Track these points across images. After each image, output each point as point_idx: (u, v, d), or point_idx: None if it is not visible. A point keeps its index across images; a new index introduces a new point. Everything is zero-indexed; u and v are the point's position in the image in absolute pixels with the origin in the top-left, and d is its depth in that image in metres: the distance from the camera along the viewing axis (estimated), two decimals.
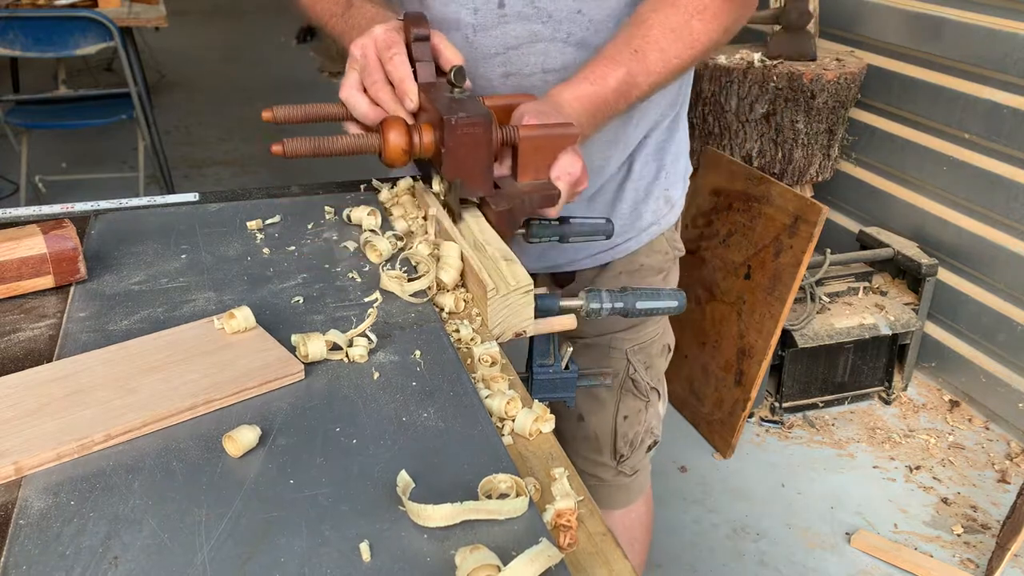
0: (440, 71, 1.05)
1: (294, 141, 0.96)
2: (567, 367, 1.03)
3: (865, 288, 2.86)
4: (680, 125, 1.39)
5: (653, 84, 1.11)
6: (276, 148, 0.96)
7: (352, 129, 1.06)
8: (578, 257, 1.35)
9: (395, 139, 0.97)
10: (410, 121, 1.00)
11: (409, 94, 1.01)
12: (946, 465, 2.63)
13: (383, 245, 1.00)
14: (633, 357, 1.43)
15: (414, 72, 1.02)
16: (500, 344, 0.88)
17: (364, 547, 0.59)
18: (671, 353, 1.51)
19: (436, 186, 1.05)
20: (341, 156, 0.99)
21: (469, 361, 0.84)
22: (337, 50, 1.35)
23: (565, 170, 0.98)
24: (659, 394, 1.49)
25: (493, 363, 0.83)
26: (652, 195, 1.36)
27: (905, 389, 2.94)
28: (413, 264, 0.98)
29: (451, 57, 1.05)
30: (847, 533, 2.36)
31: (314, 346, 0.80)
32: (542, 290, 0.95)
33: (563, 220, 1.09)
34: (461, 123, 0.93)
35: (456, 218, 1.00)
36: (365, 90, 1.04)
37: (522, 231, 1.07)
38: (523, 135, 0.96)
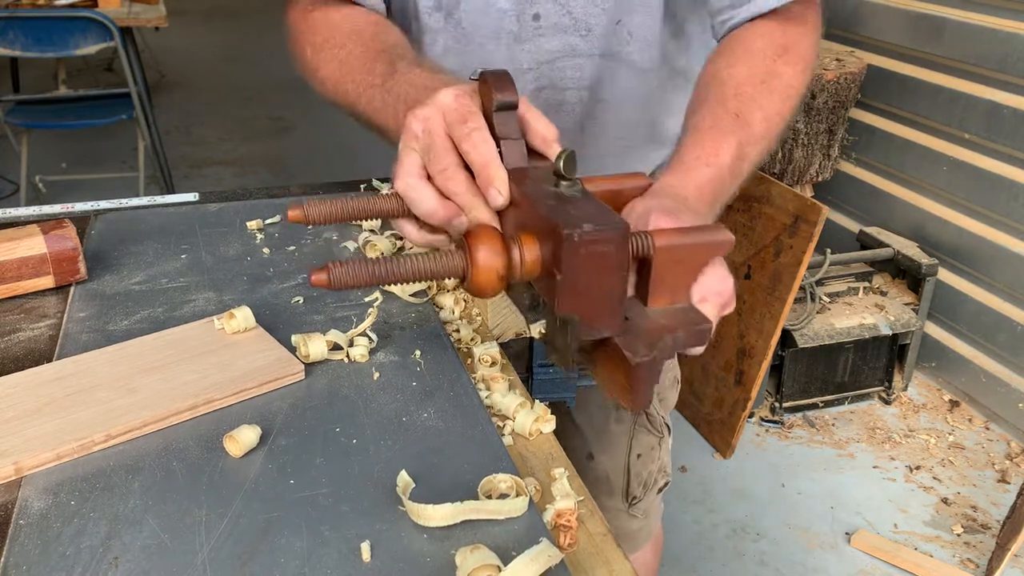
0: (530, 151, 0.78)
1: (343, 267, 0.68)
2: None
3: (865, 288, 2.86)
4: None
5: (760, 153, 0.90)
6: (318, 278, 0.67)
7: (408, 230, 0.79)
8: None
9: (488, 258, 0.67)
10: (496, 224, 0.73)
11: (496, 184, 0.72)
12: (946, 465, 2.63)
13: (383, 245, 1.00)
14: None
15: (499, 154, 0.75)
16: (500, 344, 0.88)
17: (365, 547, 0.59)
18: (679, 386, 1.40)
19: (534, 327, 0.74)
20: (411, 282, 0.72)
21: (469, 361, 0.84)
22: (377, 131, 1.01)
23: (713, 290, 0.70)
24: (669, 430, 1.37)
25: (493, 363, 0.83)
26: None
27: (905, 389, 2.94)
28: None
29: (546, 132, 0.77)
30: (847, 533, 2.36)
31: (315, 346, 0.80)
32: None
33: None
34: (588, 239, 0.64)
35: (570, 366, 0.70)
36: (430, 178, 0.76)
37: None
38: (660, 244, 0.67)
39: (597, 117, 1.16)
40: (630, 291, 0.71)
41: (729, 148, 0.84)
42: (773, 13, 0.98)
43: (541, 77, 1.09)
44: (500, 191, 0.72)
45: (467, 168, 0.74)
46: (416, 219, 0.77)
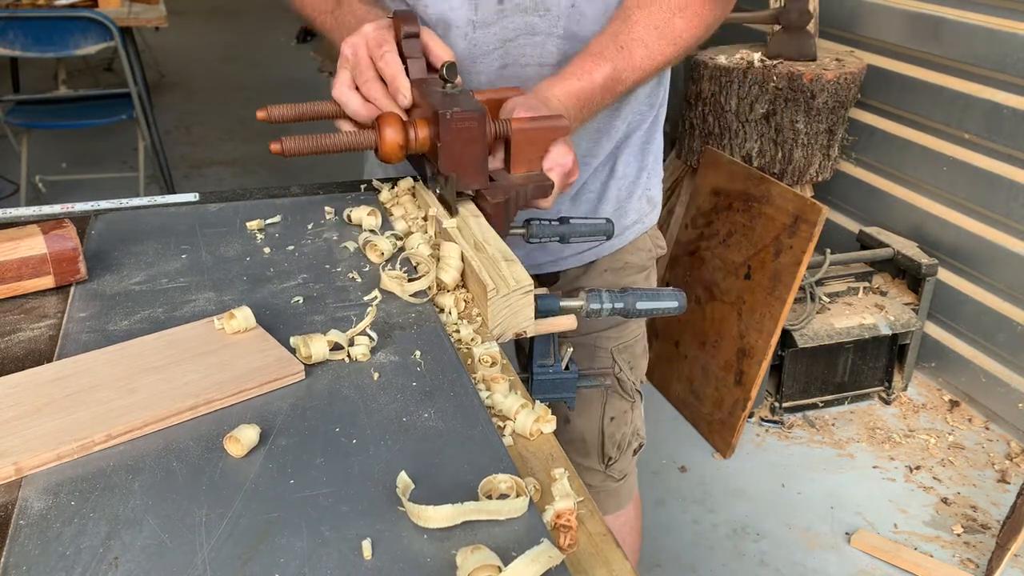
0: (431, 67, 1.06)
1: (292, 140, 0.97)
2: (567, 367, 1.03)
3: (865, 288, 2.86)
4: (659, 126, 1.41)
5: (637, 80, 1.15)
6: (275, 147, 0.98)
7: (346, 127, 1.08)
8: (563, 255, 1.37)
9: (391, 135, 0.98)
10: (404, 117, 1.01)
11: (402, 90, 1.02)
12: (946, 465, 2.63)
13: (383, 245, 1.00)
14: (618, 356, 1.43)
15: (406, 69, 1.04)
16: (500, 344, 0.88)
17: (366, 544, 0.59)
18: (647, 355, 1.53)
19: (430, 186, 1.07)
20: (338, 152, 1.01)
21: (469, 361, 0.84)
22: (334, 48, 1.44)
23: (557, 161, 1.01)
24: (640, 396, 1.51)
25: (493, 363, 0.83)
26: (635, 194, 1.39)
27: (905, 389, 2.94)
28: (413, 264, 0.98)
29: (441, 53, 1.06)
30: (847, 533, 2.36)
31: (316, 347, 0.80)
32: (542, 290, 0.95)
33: (563, 220, 1.10)
34: (456, 117, 0.95)
35: (452, 212, 1.01)
36: (358, 88, 1.05)
37: (522, 231, 1.07)
38: (515, 128, 0.98)
39: None
40: (499, 164, 1.02)
41: (603, 70, 1.11)
42: None
43: (506, 55, 1.20)
44: (404, 95, 1.03)
45: (383, 80, 1.04)
46: (350, 119, 1.07)
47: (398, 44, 1.05)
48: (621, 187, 1.36)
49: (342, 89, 1.05)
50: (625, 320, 1.42)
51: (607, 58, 1.11)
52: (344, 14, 1.18)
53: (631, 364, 1.46)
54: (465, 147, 0.96)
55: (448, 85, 1.00)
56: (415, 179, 1.16)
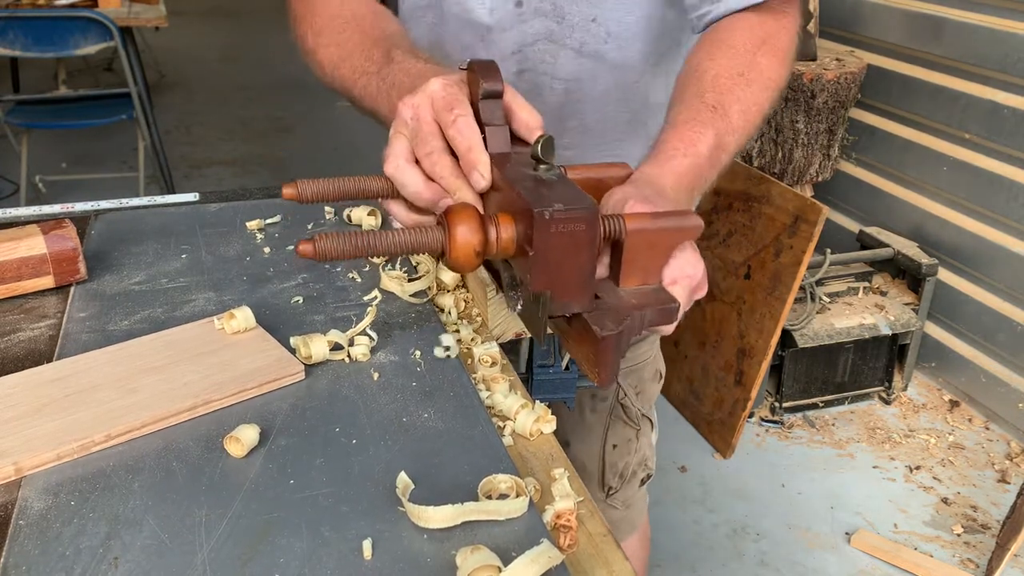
0: (514, 137, 0.82)
1: (329, 239, 0.71)
2: (567, 368, 1.03)
3: (865, 288, 2.86)
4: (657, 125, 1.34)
5: (739, 143, 0.93)
6: (304, 248, 0.71)
7: (396, 211, 0.84)
8: None
9: (466, 235, 0.71)
10: (479, 206, 0.77)
11: (479, 168, 0.77)
12: (946, 465, 2.63)
13: None
14: (623, 380, 1.33)
15: (484, 139, 0.79)
16: (500, 345, 0.88)
17: (366, 544, 0.59)
18: (662, 380, 1.41)
19: (507, 299, 0.79)
20: (392, 256, 0.79)
21: (469, 361, 0.84)
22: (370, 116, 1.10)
23: (684, 272, 0.76)
24: (651, 424, 1.39)
25: (493, 363, 0.83)
26: None
27: (905, 389, 2.94)
28: (413, 264, 0.98)
29: (529, 120, 0.82)
30: (847, 533, 2.36)
31: (317, 347, 0.80)
32: None
33: None
34: (559, 218, 0.69)
35: (542, 338, 0.75)
36: (418, 162, 0.80)
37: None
38: (631, 227, 0.72)
39: (578, 113, 1.17)
40: (605, 272, 0.75)
41: (707, 139, 0.87)
42: (753, 7, 1.00)
43: (523, 60, 1.12)
44: (482, 174, 0.76)
45: (453, 153, 0.79)
46: (405, 201, 0.81)
47: (474, 106, 0.80)
48: None
49: (398, 162, 0.80)
50: (633, 343, 1.33)
51: (705, 123, 0.89)
52: (395, 73, 0.93)
53: (638, 389, 1.34)
54: (567, 258, 0.70)
55: (541, 167, 0.75)
56: None
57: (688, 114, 0.90)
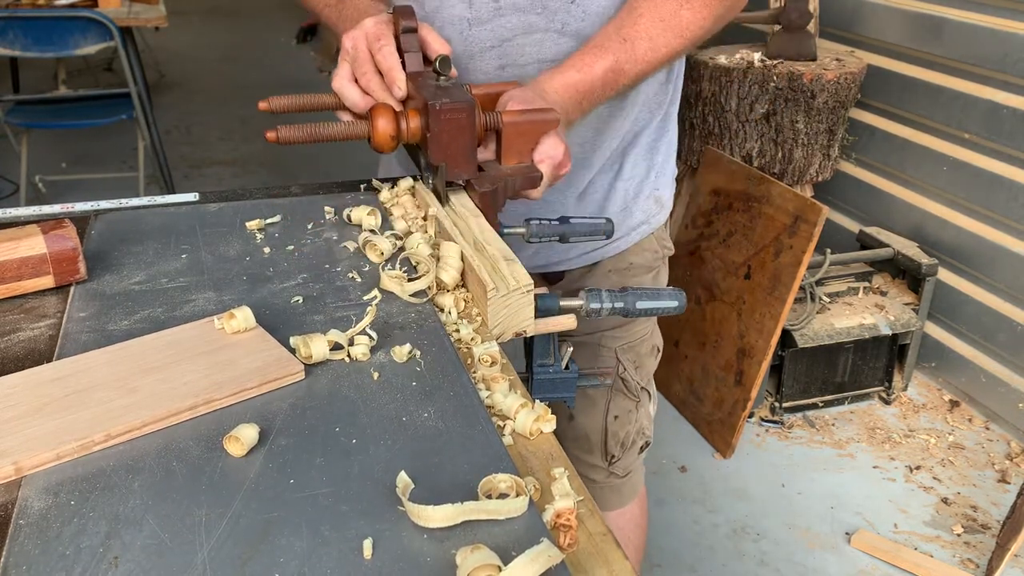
0: (427, 61, 1.09)
1: (288, 128, 1.01)
2: (567, 367, 1.03)
3: (865, 288, 2.86)
4: (670, 126, 1.39)
5: (640, 72, 1.14)
6: (271, 135, 1.01)
7: (345, 118, 1.10)
8: (568, 256, 1.36)
9: (383, 125, 1.02)
10: (399, 109, 1.05)
11: (397, 82, 1.05)
12: (946, 465, 2.63)
13: (383, 245, 1.00)
14: (623, 356, 1.43)
15: (403, 63, 1.06)
16: (500, 343, 0.88)
17: (367, 544, 0.59)
18: (660, 354, 1.52)
19: (424, 179, 1.10)
20: (334, 141, 1.05)
21: (469, 361, 0.84)
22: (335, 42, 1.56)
23: (547, 153, 1.03)
24: (649, 395, 1.49)
25: (493, 363, 0.83)
26: (642, 194, 1.37)
27: (905, 389, 2.94)
28: (413, 264, 0.98)
29: (437, 47, 1.09)
30: (847, 533, 2.36)
31: (317, 346, 0.80)
32: (542, 290, 0.95)
33: (563, 220, 1.10)
34: (445, 108, 0.97)
35: (443, 200, 1.04)
36: (356, 80, 1.08)
37: (521, 231, 1.08)
38: (506, 120, 1.01)
39: None
40: (491, 156, 1.05)
41: (604, 62, 1.11)
42: None
43: (503, 55, 1.20)
44: (400, 87, 1.05)
45: (381, 73, 1.07)
46: (348, 109, 1.10)
47: (397, 39, 1.08)
48: (628, 187, 1.35)
49: (341, 81, 1.09)
50: (632, 320, 1.41)
51: (609, 50, 1.11)
52: (347, 8, 1.23)
53: (636, 364, 1.45)
54: (454, 137, 0.99)
55: (442, 78, 1.03)
56: (415, 179, 1.17)
57: (598, 40, 1.13)
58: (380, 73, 1.07)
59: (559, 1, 1.18)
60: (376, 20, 1.09)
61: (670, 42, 1.14)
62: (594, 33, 1.17)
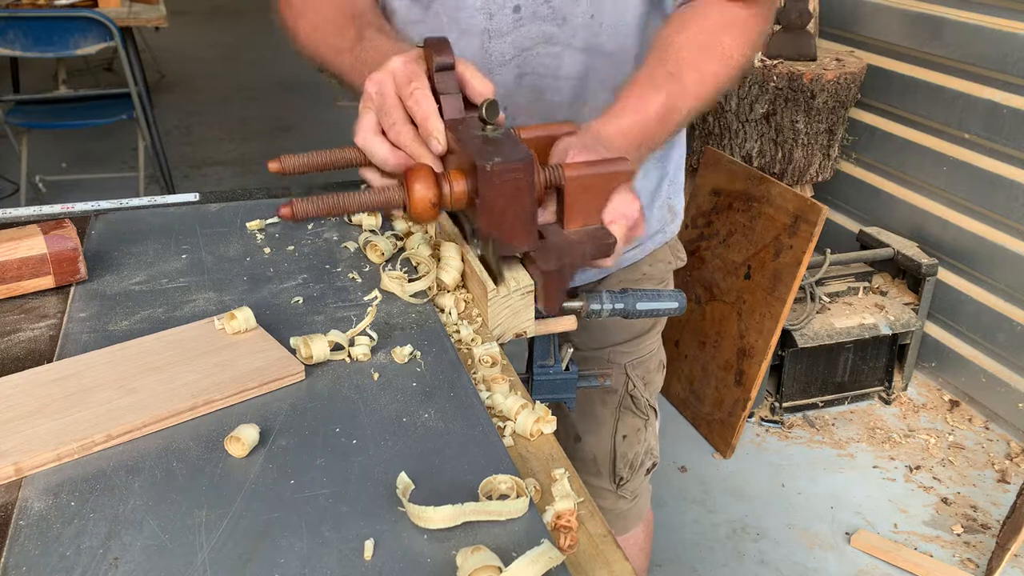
0: (468, 104, 0.91)
1: (304, 201, 0.81)
2: (567, 368, 1.03)
3: (865, 288, 2.86)
4: (680, 134, 1.36)
5: (692, 108, 1.02)
6: (284, 211, 0.81)
7: (371, 176, 0.93)
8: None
9: (422, 191, 0.82)
10: (437, 167, 0.87)
11: (435, 134, 0.87)
12: (946, 465, 2.63)
13: (383, 245, 1.00)
14: (632, 372, 1.38)
15: (439, 108, 0.89)
16: (500, 344, 0.88)
17: (368, 544, 0.59)
18: (664, 370, 1.47)
19: (472, 246, 0.92)
20: (359, 212, 0.89)
21: (469, 362, 0.84)
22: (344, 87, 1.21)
23: (620, 212, 0.84)
24: (655, 413, 1.44)
25: (493, 364, 0.83)
26: (656, 204, 1.33)
27: (905, 389, 2.94)
28: (413, 264, 0.98)
29: (480, 88, 0.91)
30: (847, 533, 2.36)
31: (317, 347, 0.80)
32: None
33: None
34: (498, 169, 0.79)
35: (498, 279, 0.86)
36: (384, 132, 0.91)
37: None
38: (569, 175, 0.82)
39: (581, 108, 1.18)
40: (552, 217, 0.86)
41: (657, 100, 0.97)
42: None
43: (523, 64, 1.14)
44: (438, 140, 0.87)
45: (414, 122, 0.88)
46: (377, 167, 0.92)
47: (430, 78, 0.90)
48: (642, 197, 1.28)
49: (366, 135, 0.90)
50: (641, 334, 1.37)
51: (660, 87, 0.98)
52: (366, 50, 1.02)
53: (645, 380, 1.39)
54: (510, 203, 0.80)
55: (488, 127, 0.85)
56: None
57: (645, 77, 0.99)
58: (413, 123, 0.89)
59: (579, 15, 1.11)
60: (405, 58, 0.91)
61: (716, 71, 1.03)
62: (616, 51, 1.11)
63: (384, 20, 1.11)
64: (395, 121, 0.89)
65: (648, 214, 1.32)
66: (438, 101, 0.88)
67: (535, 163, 0.81)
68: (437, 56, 0.89)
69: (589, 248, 0.83)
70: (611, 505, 1.45)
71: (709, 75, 1.02)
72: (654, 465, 1.47)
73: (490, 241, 0.83)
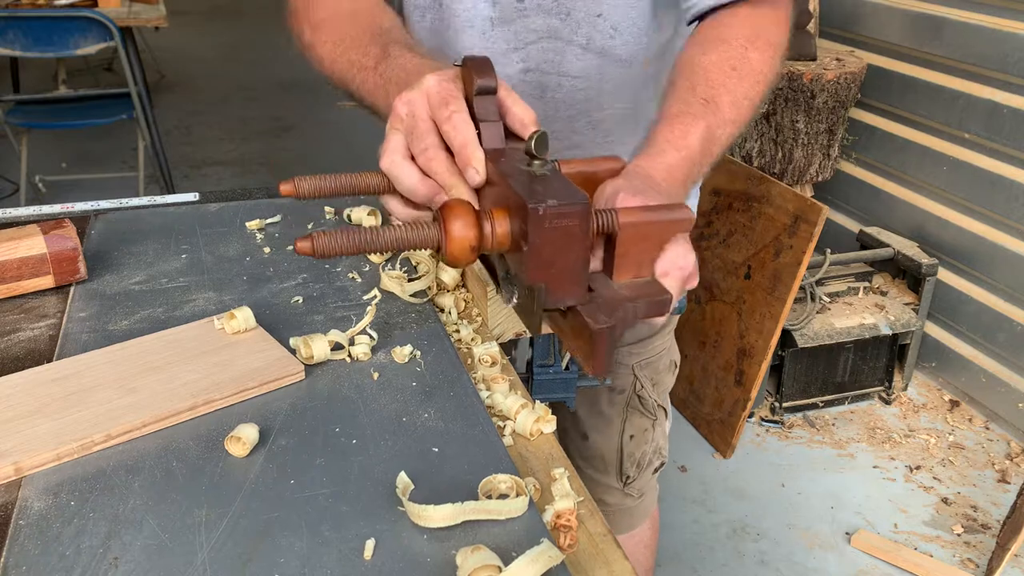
0: (508, 132, 0.82)
1: (326, 236, 0.72)
2: (567, 367, 1.03)
3: (865, 288, 2.86)
4: None
5: (731, 135, 0.94)
6: (302, 245, 0.72)
7: (394, 206, 0.84)
8: None
9: (461, 231, 0.72)
10: (474, 202, 0.77)
11: (474, 164, 0.77)
12: (946, 465, 2.63)
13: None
14: (640, 372, 1.36)
15: (478, 135, 0.79)
16: (500, 344, 0.88)
17: (369, 544, 0.59)
18: (677, 369, 1.44)
19: (502, 293, 0.80)
20: (387, 251, 0.79)
21: (469, 361, 0.84)
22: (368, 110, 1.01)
23: (675, 263, 0.75)
24: (666, 412, 1.43)
25: (493, 363, 0.83)
26: None
27: (905, 389, 2.94)
28: (413, 264, 0.98)
29: (523, 116, 0.82)
30: (847, 533, 2.36)
31: (317, 347, 0.80)
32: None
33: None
34: (551, 213, 0.69)
35: (536, 330, 0.76)
36: (413, 158, 0.81)
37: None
38: (624, 221, 0.73)
39: (586, 111, 1.17)
40: (598, 265, 0.76)
41: (698, 132, 0.88)
42: (744, 1, 1.01)
43: (528, 58, 1.12)
44: (477, 170, 0.76)
45: (448, 149, 0.79)
46: (402, 196, 0.82)
47: (468, 102, 0.80)
48: None
49: (394, 158, 0.80)
50: (648, 336, 1.35)
51: (697, 116, 0.90)
52: (392, 68, 0.93)
53: (654, 381, 1.38)
54: (561, 251, 0.71)
55: (536, 163, 0.75)
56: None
57: (680, 107, 0.91)
58: (448, 149, 0.79)
59: (584, 12, 1.09)
60: (441, 77, 0.81)
61: (749, 92, 0.96)
62: (625, 56, 1.09)
63: (412, 37, 1.02)
64: (428, 146, 0.79)
65: None
66: (476, 127, 0.79)
67: (591, 208, 0.72)
68: (478, 78, 0.79)
69: (642, 305, 0.73)
70: (618, 502, 1.45)
71: (743, 97, 0.95)
72: (662, 464, 1.46)
73: (535, 292, 0.73)
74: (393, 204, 0.84)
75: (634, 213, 0.73)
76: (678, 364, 1.44)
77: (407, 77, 0.87)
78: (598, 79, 1.14)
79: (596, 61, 1.12)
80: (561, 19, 1.09)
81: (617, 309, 0.71)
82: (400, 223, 0.75)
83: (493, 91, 0.80)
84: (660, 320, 0.77)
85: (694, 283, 0.80)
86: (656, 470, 1.46)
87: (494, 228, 0.73)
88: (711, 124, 0.90)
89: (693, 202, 1.33)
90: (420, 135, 0.79)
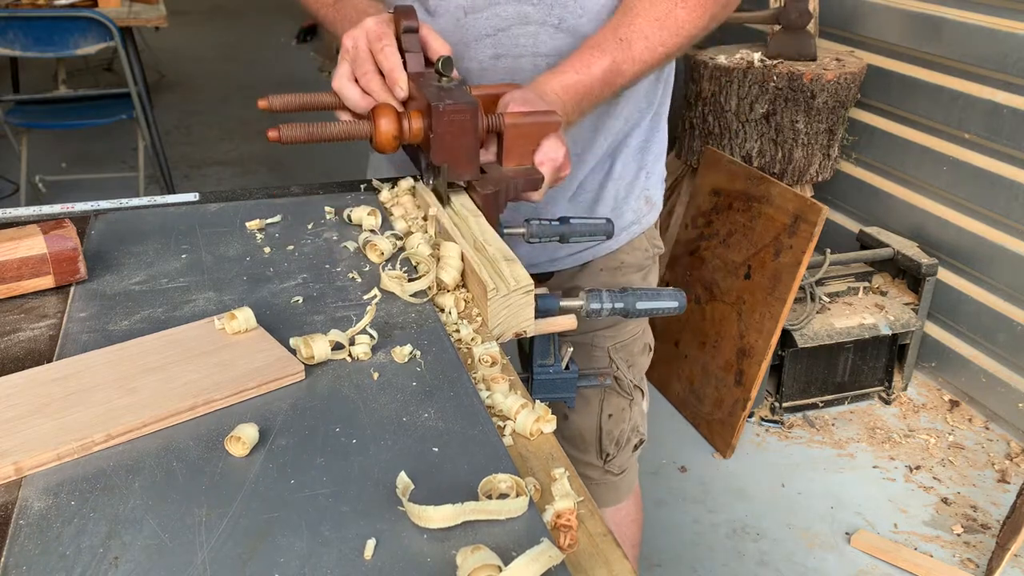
0: (429, 62, 1.09)
1: (289, 127, 1.00)
2: (567, 367, 1.03)
3: (865, 288, 2.86)
4: (660, 125, 1.40)
5: (638, 72, 1.15)
6: (272, 134, 1.00)
7: (344, 118, 1.09)
8: (558, 256, 1.36)
9: (385, 125, 1.01)
10: (400, 109, 1.04)
11: (399, 83, 1.05)
12: (946, 465, 2.63)
13: (383, 245, 1.00)
14: (615, 355, 1.44)
15: (404, 63, 1.06)
16: (500, 344, 0.88)
17: (370, 544, 0.59)
18: (651, 352, 1.53)
19: (424, 178, 1.10)
20: (335, 141, 1.04)
21: (469, 361, 0.84)
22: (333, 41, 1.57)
23: (548, 155, 1.03)
24: (642, 393, 1.51)
25: (493, 363, 0.83)
26: (633, 194, 1.38)
27: (905, 389, 2.94)
28: (413, 264, 0.98)
29: (439, 48, 1.09)
30: (847, 533, 2.36)
31: (318, 347, 0.80)
32: (542, 290, 0.95)
33: (563, 220, 1.11)
34: (448, 109, 0.98)
35: (444, 201, 1.04)
36: (356, 80, 1.08)
37: (521, 231, 1.09)
38: (508, 122, 1.01)
39: None
40: (491, 158, 1.05)
41: (602, 63, 1.11)
42: None
43: (498, 44, 1.21)
44: (401, 87, 1.05)
45: (382, 73, 1.07)
46: (349, 109, 1.09)
47: (398, 38, 1.08)
48: (619, 187, 1.36)
49: (341, 81, 1.08)
50: (623, 319, 1.42)
51: (606, 51, 1.11)
52: (345, 7, 1.22)
53: (629, 362, 1.46)
54: (457, 138, 0.99)
55: (444, 79, 1.03)
56: (415, 179, 1.17)
57: (595, 41, 1.13)
58: (381, 73, 1.07)
59: None
60: (377, 19, 1.09)
61: (666, 41, 1.15)
62: (592, 32, 1.17)
63: None
64: (366, 71, 1.06)
65: (625, 204, 1.38)
66: (403, 57, 1.07)
67: (480, 109, 1.00)
68: (404, 20, 1.07)
69: (521, 181, 1.02)
70: (600, 477, 1.52)
71: (658, 44, 1.14)
72: (641, 442, 1.54)
73: (440, 170, 1.02)
74: (344, 116, 1.10)
75: (517, 116, 1.01)
76: (652, 347, 1.53)
77: (357, 17, 1.15)
78: (568, 55, 1.20)
79: (565, 39, 1.21)
80: (533, 4, 1.19)
81: (501, 183, 1.01)
82: (345, 119, 1.05)
83: (415, 30, 1.08)
84: (535, 196, 1.03)
85: (567, 171, 1.07)
86: (636, 447, 1.53)
87: (411, 124, 1.02)
88: (618, 59, 1.12)
89: (659, 171, 1.45)
90: (361, 63, 1.07)
